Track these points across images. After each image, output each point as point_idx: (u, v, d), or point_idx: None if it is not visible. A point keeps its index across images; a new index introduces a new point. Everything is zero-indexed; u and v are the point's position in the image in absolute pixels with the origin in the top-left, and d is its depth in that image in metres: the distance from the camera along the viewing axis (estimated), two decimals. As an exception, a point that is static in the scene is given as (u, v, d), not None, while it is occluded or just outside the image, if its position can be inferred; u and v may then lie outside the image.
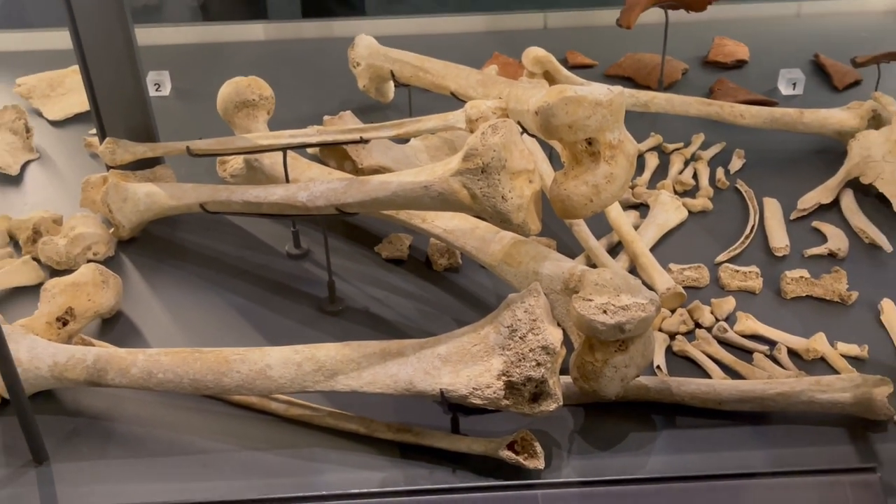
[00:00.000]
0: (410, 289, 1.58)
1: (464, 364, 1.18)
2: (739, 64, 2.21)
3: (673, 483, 0.97)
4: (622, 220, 1.60)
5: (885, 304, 1.49)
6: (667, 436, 1.29)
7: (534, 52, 1.83)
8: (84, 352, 1.32)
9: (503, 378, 1.16)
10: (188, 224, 1.73)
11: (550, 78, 1.85)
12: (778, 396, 1.29)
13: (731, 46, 2.24)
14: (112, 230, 1.66)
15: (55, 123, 2.07)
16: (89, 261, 1.61)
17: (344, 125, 1.75)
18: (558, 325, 1.21)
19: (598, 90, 1.24)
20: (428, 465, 1.25)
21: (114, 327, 1.52)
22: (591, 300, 1.18)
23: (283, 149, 1.53)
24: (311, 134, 1.52)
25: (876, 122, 1.79)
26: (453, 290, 1.57)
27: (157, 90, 2.15)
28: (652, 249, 1.62)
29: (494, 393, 1.16)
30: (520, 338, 1.15)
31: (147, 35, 2.35)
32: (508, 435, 1.22)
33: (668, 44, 2.20)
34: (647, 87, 2.11)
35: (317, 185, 1.39)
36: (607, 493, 1.01)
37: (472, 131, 1.34)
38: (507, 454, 1.20)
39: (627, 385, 1.25)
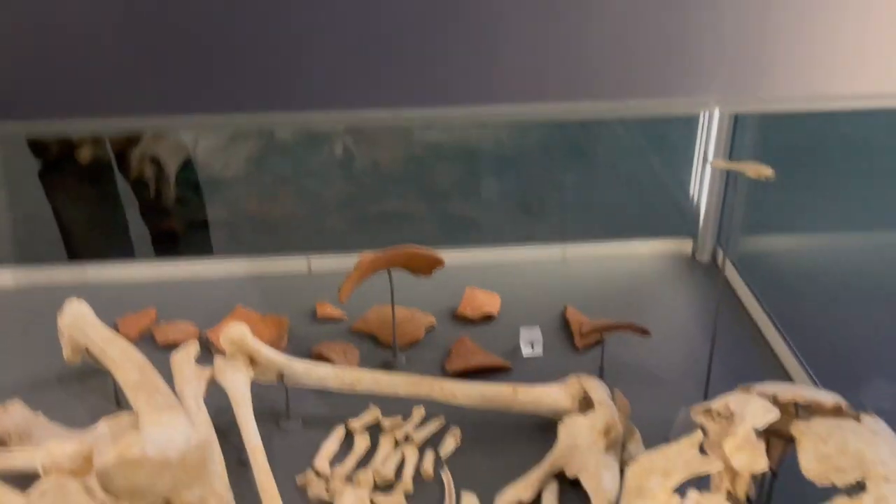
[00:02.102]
0: None
1: None
2: (488, 319, 2.07)
3: None
4: (285, 537, 1.38)
5: None
6: None
7: (229, 334, 1.66)
8: None
9: None
10: None
11: (252, 357, 1.68)
12: None
13: (482, 298, 2.10)
14: None
15: None
16: None
17: (7, 418, 1.53)
18: None
19: (172, 444, 1.05)
20: None
21: None
22: None
23: None
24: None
25: (586, 403, 1.63)
26: None
27: None
28: (326, 564, 1.41)
29: None
30: None
31: None
32: None
33: (421, 293, 2.08)
34: (389, 346, 1.96)
35: None
36: None
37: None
38: None
39: None
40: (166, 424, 1.18)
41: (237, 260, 2.28)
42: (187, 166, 2.63)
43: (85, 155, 2.55)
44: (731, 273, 2.23)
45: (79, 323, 1.71)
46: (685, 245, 2.36)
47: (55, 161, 2.59)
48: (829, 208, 1.96)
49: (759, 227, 2.28)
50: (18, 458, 1.23)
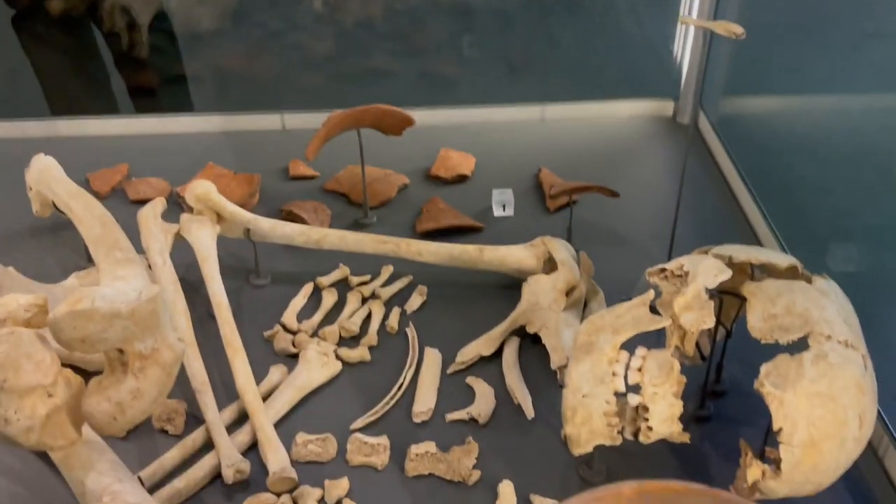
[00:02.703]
0: (13, 465, 1.38)
1: None
2: (461, 179, 2.06)
3: None
4: (248, 386, 1.42)
5: (504, 487, 1.33)
6: None
7: (195, 190, 1.65)
8: None
9: None
10: None
11: (219, 213, 1.67)
12: None
13: (457, 159, 2.08)
14: None
15: None
16: None
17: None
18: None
19: (121, 298, 1.06)
20: None
21: None
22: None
23: None
24: None
25: (551, 264, 1.65)
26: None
27: None
28: (290, 412, 1.46)
29: None
30: None
31: None
32: None
33: (395, 153, 2.06)
34: (361, 206, 1.95)
35: None
36: None
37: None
38: None
39: None
40: (121, 278, 1.19)
41: (211, 116, 2.24)
42: (161, 18, 2.55)
43: (55, 5, 2.47)
44: (710, 135, 2.20)
45: (44, 177, 1.70)
46: (666, 107, 2.32)
47: (27, 8, 2.51)
48: (814, 70, 1.91)
49: (741, 89, 2.23)
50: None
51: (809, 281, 1.28)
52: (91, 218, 1.48)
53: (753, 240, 1.90)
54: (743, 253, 1.32)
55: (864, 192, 1.72)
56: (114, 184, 2.00)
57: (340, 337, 1.61)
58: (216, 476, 1.34)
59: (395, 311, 1.66)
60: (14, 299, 1.12)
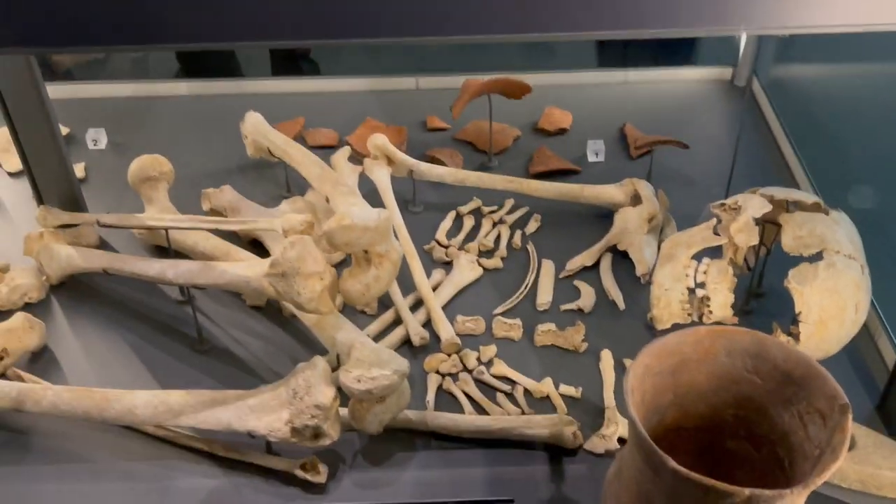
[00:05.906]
0: (264, 332, 1.96)
1: (265, 413, 1.58)
2: (562, 132, 2.56)
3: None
4: (423, 281, 1.98)
5: (604, 353, 1.88)
6: (422, 455, 1.70)
7: (374, 141, 2.19)
8: (10, 386, 1.70)
9: (289, 424, 1.55)
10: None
11: (390, 158, 2.21)
12: (500, 431, 1.69)
13: (558, 115, 2.58)
14: (44, 278, 2.03)
15: (14, 175, 2.42)
16: (26, 304, 2.00)
17: (222, 197, 2.12)
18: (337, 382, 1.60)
19: (369, 216, 1.61)
20: (248, 474, 1.66)
21: (40, 359, 1.90)
22: (350, 372, 1.57)
23: (163, 228, 1.89)
24: (181, 220, 1.88)
25: (636, 199, 2.15)
26: (296, 334, 1.94)
27: (94, 145, 2.49)
28: (449, 303, 2.01)
29: (283, 434, 1.56)
30: (299, 398, 1.54)
31: (86, 90, 2.70)
32: (303, 458, 1.63)
33: (508, 110, 2.56)
34: (485, 152, 2.47)
35: (180, 266, 1.76)
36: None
37: (286, 236, 1.72)
38: (298, 472, 1.61)
39: (386, 423, 1.64)
40: (354, 204, 1.73)
41: (360, 78, 2.76)
42: None
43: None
44: (762, 98, 2.65)
45: (259, 129, 2.25)
46: (726, 72, 2.77)
47: None
48: (862, 39, 2.32)
49: (791, 57, 2.66)
50: (261, 223, 1.81)
51: (827, 213, 1.77)
52: (309, 162, 2.03)
53: (791, 183, 2.38)
54: (781, 193, 1.81)
55: (880, 143, 2.17)
56: (294, 133, 2.54)
57: (479, 251, 2.15)
58: (405, 342, 1.91)
59: (518, 233, 2.20)
60: (294, 217, 1.68)
